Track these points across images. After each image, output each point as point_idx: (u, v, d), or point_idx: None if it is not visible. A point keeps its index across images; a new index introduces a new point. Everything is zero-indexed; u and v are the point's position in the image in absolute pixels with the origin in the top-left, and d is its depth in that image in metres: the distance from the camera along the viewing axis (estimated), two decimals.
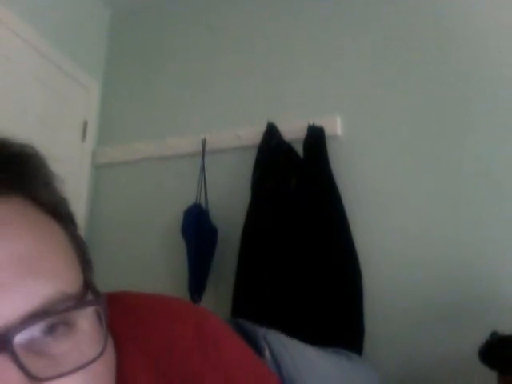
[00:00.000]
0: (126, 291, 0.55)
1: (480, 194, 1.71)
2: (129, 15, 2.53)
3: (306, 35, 2.13)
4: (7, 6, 1.91)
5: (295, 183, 1.80)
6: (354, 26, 2.06)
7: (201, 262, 1.89)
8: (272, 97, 2.10)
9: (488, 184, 1.71)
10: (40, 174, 0.42)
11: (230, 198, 2.01)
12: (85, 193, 2.27)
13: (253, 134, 1.99)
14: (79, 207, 2.18)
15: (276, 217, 1.77)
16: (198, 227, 1.91)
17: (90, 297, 0.39)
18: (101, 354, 0.37)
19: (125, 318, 0.50)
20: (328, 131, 1.90)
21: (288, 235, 1.74)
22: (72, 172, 2.18)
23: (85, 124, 2.32)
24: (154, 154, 2.21)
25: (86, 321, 0.38)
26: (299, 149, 1.87)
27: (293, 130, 1.92)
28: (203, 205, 1.99)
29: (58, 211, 0.42)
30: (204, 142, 2.09)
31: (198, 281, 1.88)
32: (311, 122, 1.90)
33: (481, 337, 1.22)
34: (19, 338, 0.33)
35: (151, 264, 2.06)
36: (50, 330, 0.35)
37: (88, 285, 0.40)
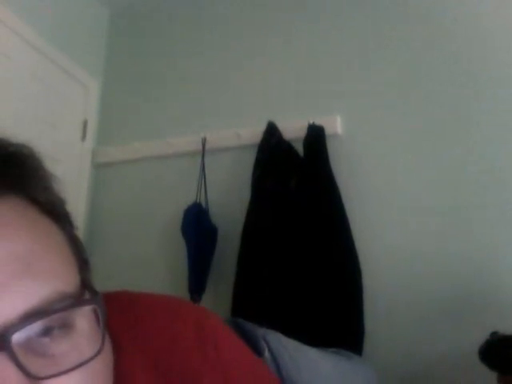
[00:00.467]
0: (124, 290, 0.55)
1: (480, 190, 1.71)
2: (128, 14, 2.53)
3: (306, 34, 2.13)
4: (6, 5, 1.91)
5: (295, 182, 1.80)
6: (355, 25, 2.06)
7: (201, 262, 1.89)
8: (272, 96, 2.10)
9: (489, 180, 1.71)
10: (37, 174, 0.42)
11: (230, 197, 2.01)
12: (85, 192, 2.26)
13: (253, 132, 1.99)
14: (79, 207, 2.18)
15: (276, 216, 1.77)
16: (197, 226, 1.91)
17: (87, 296, 0.40)
18: (98, 352, 0.37)
19: (123, 317, 0.50)
20: (328, 130, 1.89)
21: (288, 234, 1.74)
22: (72, 171, 2.18)
23: (84, 123, 2.32)
24: (154, 153, 2.21)
25: (84, 320, 0.38)
26: (299, 148, 1.87)
27: (293, 129, 1.92)
28: (203, 204, 1.98)
29: (55, 211, 0.42)
30: (204, 141, 2.09)
31: (197, 280, 1.88)
32: (311, 121, 1.90)
33: (482, 333, 1.22)
34: (17, 337, 0.33)
35: (151, 263, 2.06)
36: (48, 330, 0.35)
37: (85, 284, 0.40)
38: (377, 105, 1.93)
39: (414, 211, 1.77)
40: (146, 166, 2.23)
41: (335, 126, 1.93)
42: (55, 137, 2.12)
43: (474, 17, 1.88)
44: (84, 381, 0.36)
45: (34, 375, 0.33)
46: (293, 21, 2.17)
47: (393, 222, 1.78)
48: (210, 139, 2.09)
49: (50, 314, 0.35)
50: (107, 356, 0.40)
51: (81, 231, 0.45)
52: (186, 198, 1.99)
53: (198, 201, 1.98)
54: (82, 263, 0.42)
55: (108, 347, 0.41)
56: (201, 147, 2.09)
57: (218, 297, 1.88)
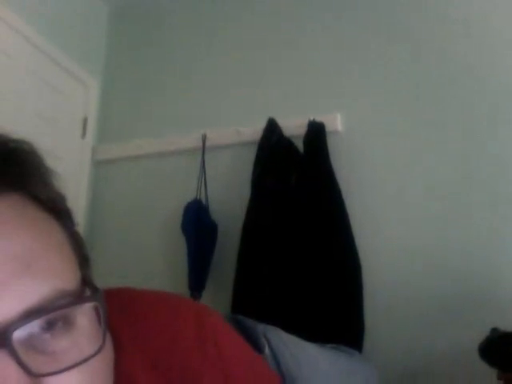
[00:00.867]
0: (125, 287, 0.55)
1: (481, 186, 1.71)
2: (128, 12, 2.52)
3: (306, 32, 2.13)
4: (5, 4, 1.90)
5: (295, 179, 1.80)
6: (355, 23, 2.06)
7: (201, 258, 1.89)
8: (272, 93, 2.09)
9: (489, 177, 1.71)
10: (38, 170, 0.41)
11: (230, 194, 2.01)
12: (85, 189, 2.26)
13: (253, 129, 1.99)
14: (79, 204, 2.18)
15: (276, 213, 1.77)
16: (198, 223, 1.91)
17: (87, 293, 0.39)
18: (99, 350, 0.37)
19: (124, 314, 0.50)
20: (328, 127, 1.89)
21: (288, 231, 1.74)
22: (72, 169, 2.17)
23: (84, 121, 2.32)
24: (154, 150, 2.21)
25: (85, 317, 0.38)
26: (299, 145, 1.87)
27: (293, 126, 1.92)
28: (203, 201, 1.99)
29: (56, 208, 0.41)
30: (204, 138, 2.09)
31: (198, 277, 1.88)
32: (311, 118, 1.90)
33: (482, 330, 1.22)
34: (18, 335, 0.33)
35: (151, 260, 2.07)
36: (49, 327, 0.35)
37: (86, 281, 0.40)
38: (377, 102, 1.93)
39: (413, 207, 1.77)
40: (146, 163, 2.23)
41: (335, 123, 1.93)
42: (55, 134, 2.11)
43: (474, 17, 1.88)
44: (84, 379, 0.36)
45: (34, 373, 0.33)
46: (293, 18, 2.17)
47: (393, 219, 1.79)
48: (210, 136, 2.09)
49: (50, 312, 0.35)
50: (108, 354, 0.40)
51: (81, 228, 0.45)
52: (186, 195, 1.99)
53: (198, 198, 1.98)
54: (83, 260, 0.42)
55: (109, 345, 0.41)
56: (201, 144, 2.09)
57: (218, 294, 1.88)
